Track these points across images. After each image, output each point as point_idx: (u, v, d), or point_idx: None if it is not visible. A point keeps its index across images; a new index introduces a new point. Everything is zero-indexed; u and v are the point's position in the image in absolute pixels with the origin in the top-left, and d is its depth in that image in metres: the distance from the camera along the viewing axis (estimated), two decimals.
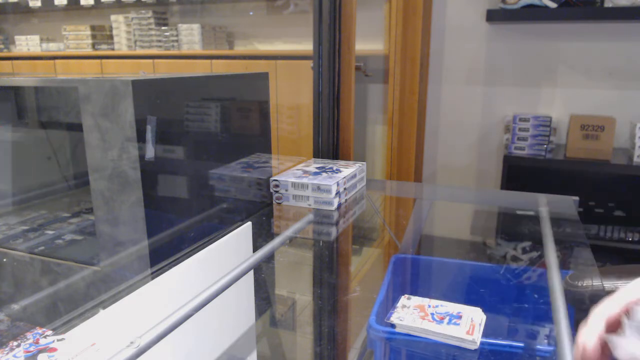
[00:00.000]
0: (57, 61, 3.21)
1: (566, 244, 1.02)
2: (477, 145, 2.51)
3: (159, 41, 3.02)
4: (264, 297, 1.03)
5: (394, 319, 0.78)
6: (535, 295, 0.99)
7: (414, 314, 0.79)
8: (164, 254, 0.88)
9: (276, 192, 1.23)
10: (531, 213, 1.24)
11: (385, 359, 0.81)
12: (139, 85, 0.80)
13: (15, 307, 0.97)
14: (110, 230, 0.86)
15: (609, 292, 0.77)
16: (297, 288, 1.17)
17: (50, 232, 1.10)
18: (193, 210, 0.97)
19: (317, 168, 1.31)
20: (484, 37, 2.37)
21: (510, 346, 0.74)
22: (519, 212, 1.33)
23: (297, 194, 1.20)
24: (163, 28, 3.00)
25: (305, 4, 2.81)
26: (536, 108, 2.35)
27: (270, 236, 1.07)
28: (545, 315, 0.92)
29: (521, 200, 1.36)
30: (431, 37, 2.46)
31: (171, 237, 0.90)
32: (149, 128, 0.82)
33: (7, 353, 0.57)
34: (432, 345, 0.75)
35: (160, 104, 0.86)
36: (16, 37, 3.53)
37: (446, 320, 0.77)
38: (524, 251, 1.15)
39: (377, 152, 2.68)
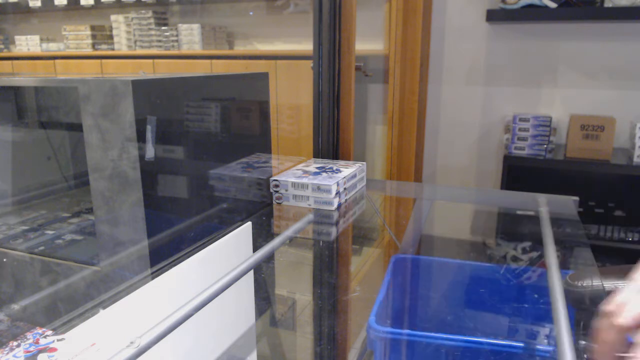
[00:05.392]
0: (57, 61, 3.21)
1: (566, 244, 1.02)
2: (477, 145, 2.51)
3: (159, 41, 3.02)
4: (264, 297, 1.03)
5: None
6: (535, 295, 0.99)
7: None
8: (164, 254, 0.88)
9: (276, 192, 1.23)
10: (531, 213, 1.24)
11: (385, 359, 0.81)
12: (139, 85, 0.80)
13: (15, 307, 0.97)
14: (110, 230, 0.86)
15: (609, 292, 0.77)
16: (297, 288, 1.17)
17: (50, 232, 1.10)
18: (193, 210, 0.97)
19: (317, 168, 1.31)
20: (484, 37, 2.37)
21: (510, 346, 0.74)
22: (519, 212, 1.33)
23: (297, 194, 1.20)
24: (163, 28, 3.00)
25: (305, 4, 2.81)
26: (536, 108, 2.35)
27: (270, 236, 1.07)
28: (545, 315, 0.92)
29: (521, 200, 1.36)
30: (431, 37, 2.46)
31: (171, 237, 0.90)
32: (149, 128, 0.82)
33: (7, 353, 0.57)
34: (432, 346, 0.75)
35: (160, 104, 0.86)
36: (16, 37, 3.53)
37: None
38: (524, 251, 1.15)
39: (377, 152, 2.68)
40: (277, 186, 1.22)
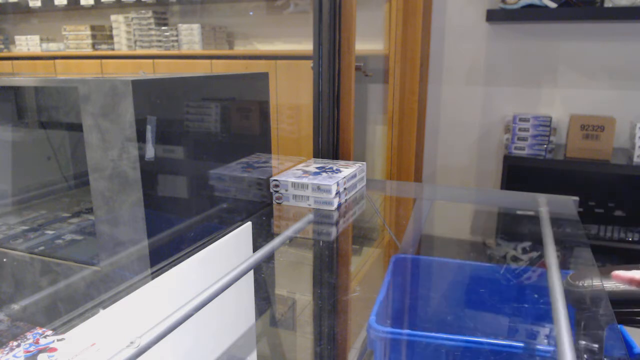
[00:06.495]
0: (57, 61, 3.21)
1: (566, 244, 1.02)
2: (477, 145, 2.51)
3: (159, 41, 3.02)
4: (264, 297, 1.03)
5: None
6: (535, 295, 0.99)
7: None
8: (164, 254, 0.88)
9: (276, 192, 1.23)
10: (531, 213, 1.24)
11: (385, 359, 0.81)
12: (139, 85, 0.80)
13: (15, 307, 0.97)
14: (110, 230, 0.86)
15: (609, 292, 0.77)
16: (297, 288, 1.17)
17: (50, 232, 1.10)
18: (193, 210, 0.97)
19: (317, 168, 1.31)
20: (484, 37, 2.37)
21: (510, 346, 0.74)
22: (519, 212, 1.33)
23: (297, 194, 1.20)
24: (163, 28, 3.00)
25: (305, 4, 2.81)
26: (536, 108, 2.35)
27: (270, 236, 1.07)
28: (545, 315, 0.92)
29: (521, 200, 1.36)
30: (431, 37, 2.46)
31: (171, 237, 0.90)
32: (149, 128, 0.82)
33: (7, 353, 0.57)
34: (432, 346, 0.75)
35: (160, 104, 0.86)
36: (16, 37, 3.53)
37: None
38: (524, 251, 1.15)
39: (377, 152, 2.68)
40: (277, 186, 1.22)
